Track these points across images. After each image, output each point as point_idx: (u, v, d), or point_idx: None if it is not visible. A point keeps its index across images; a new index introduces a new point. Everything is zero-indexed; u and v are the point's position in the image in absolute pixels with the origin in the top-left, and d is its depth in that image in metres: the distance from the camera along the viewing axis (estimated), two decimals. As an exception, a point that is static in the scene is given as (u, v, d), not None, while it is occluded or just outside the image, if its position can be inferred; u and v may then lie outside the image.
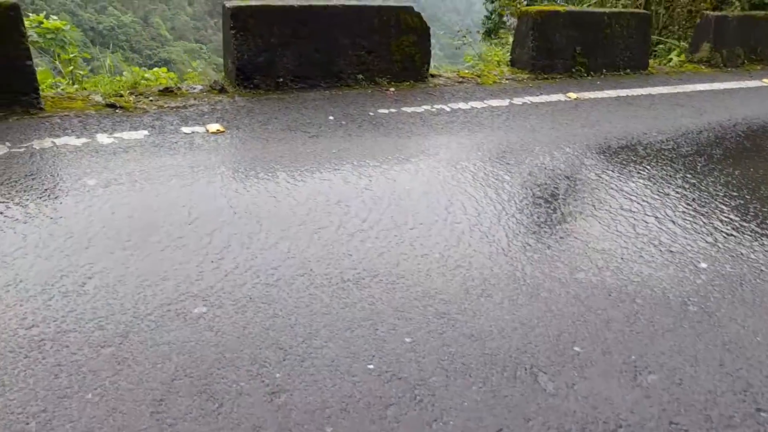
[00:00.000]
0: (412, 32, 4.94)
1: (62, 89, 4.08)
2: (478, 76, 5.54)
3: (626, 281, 2.38)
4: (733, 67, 7.08)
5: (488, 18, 23.86)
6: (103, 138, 3.26)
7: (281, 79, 4.45)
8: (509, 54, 5.99)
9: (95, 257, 2.14)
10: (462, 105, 4.71)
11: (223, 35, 4.47)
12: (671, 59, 7.45)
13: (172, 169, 2.95)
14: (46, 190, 2.61)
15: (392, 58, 4.89)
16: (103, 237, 2.29)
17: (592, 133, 4.25)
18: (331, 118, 4.10)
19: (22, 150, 3.04)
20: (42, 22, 11.08)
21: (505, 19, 24.08)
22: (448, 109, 4.56)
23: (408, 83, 5.05)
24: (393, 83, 4.95)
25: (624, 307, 2.21)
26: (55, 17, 11.34)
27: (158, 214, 2.50)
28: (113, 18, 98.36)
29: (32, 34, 10.98)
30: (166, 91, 4.12)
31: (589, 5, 9.91)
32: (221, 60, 4.76)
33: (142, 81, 4.29)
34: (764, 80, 6.63)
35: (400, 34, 4.88)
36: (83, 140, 3.20)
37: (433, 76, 5.28)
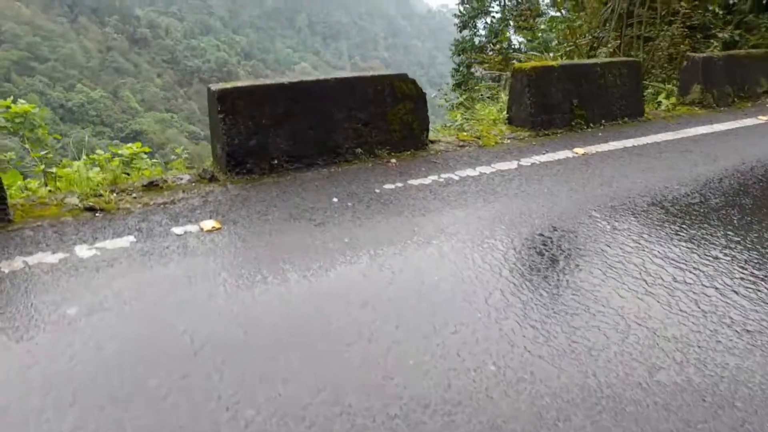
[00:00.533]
0: (408, 99, 4.72)
1: (33, 192, 3.71)
2: (478, 138, 5.32)
3: (715, 378, 2.02)
4: (725, 106, 7.03)
5: (456, 71, 24.32)
6: (83, 250, 2.87)
7: (276, 161, 4.15)
8: (505, 112, 5.81)
9: (82, 419, 1.71)
10: (470, 172, 4.44)
11: (210, 120, 4.19)
12: (660, 102, 7.39)
13: (167, 283, 2.57)
14: (17, 328, 2.19)
15: (390, 128, 4.65)
16: (90, 387, 1.87)
17: (613, 192, 3.98)
18: (335, 200, 3.78)
19: (-10, 274, 2.63)
20: (9, 107, 10.82)
21: (473, 70, 24.66)
22: (456, 178, 4.28)
23: (409, 152, 4.79)
24: (393, 154, 4.69)
25: (727, 417, 1.83)
26: (23, 101, 11.12)
27: (155, 347, 2.09)
28: (82, 95, 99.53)
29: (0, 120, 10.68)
30: (151, 186, 3.77)
31: (561, 54, 10.01)
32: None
33: (123, 175, 3.95)
34: (759, 117, 6.55)
35: (396, 103, 4.66)
36: (60, 255, 2.80)
37: (432, 142, 5.04)
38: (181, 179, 3.99)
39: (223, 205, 3.62)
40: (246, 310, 2.36)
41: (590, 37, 9.14)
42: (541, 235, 3.21)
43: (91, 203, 3.40)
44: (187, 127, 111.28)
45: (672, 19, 8.68)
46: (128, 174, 4.10)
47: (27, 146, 11.63)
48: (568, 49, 10.05)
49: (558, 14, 14.11)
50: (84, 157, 11.05)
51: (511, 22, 23.90)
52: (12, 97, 11.88)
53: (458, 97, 23.25)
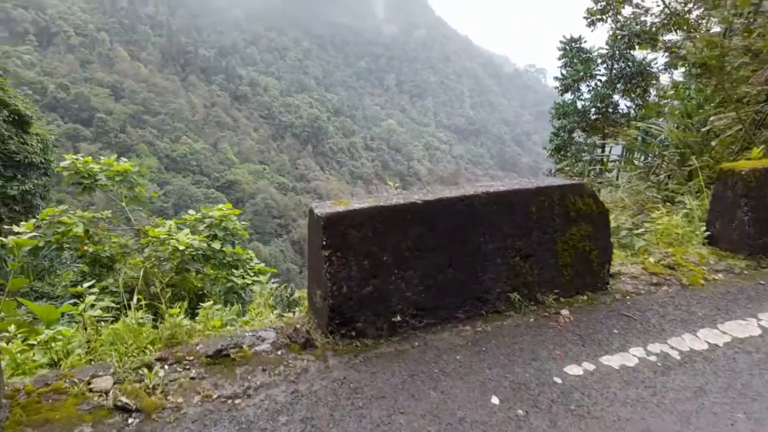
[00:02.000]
0: (584, 220, 3.26)
1: (48, 380, 2.55)
2: (673, 268, 3.71)
3: None
4: None
5: (556, 135, 22.45)
6: None
7: (398, 317, 2.78)
8: (704, 228, 4.17)
9: None
10: (690, 341, 2.85)
11: (308, 251, 2.93)
12: None
13: None
14: None
15: (559, 261, 3.18)
16: None
17: None
18: (495, 401, 2.32)
19: None
20: (112, 165, 10.56)
21: (574, 135, 22.77)
22: (676, 356, 2.71)
23: (584, 297, 3.27)
24: (563, 300, 3.19)
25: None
26: (125, 159, 10.85)
27: None
28: (186, 146, 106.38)
29: (101, 178, 10.37)
30: (219, 356, 2.51)
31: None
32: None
33: (184, 326, 2.72)
34: None
35: (567, 225, 3.21)
36: None
37: (611, 275, 3.50)
38: (263, 340, 2.71)
39: (320, 404, 2.26)
40: None
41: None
42: None
43: (124, 401, 2.16)
44: (277, 178, 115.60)
45: None
46: (193, 321, 2.87)
47: (124, 204, 11.17)
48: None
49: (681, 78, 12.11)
50: (171, 224, 10.23)
51: (619, 86, 22.08)
52: (116, 156, 11.68)
53: (556, 163, 21.39)
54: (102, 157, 11.58)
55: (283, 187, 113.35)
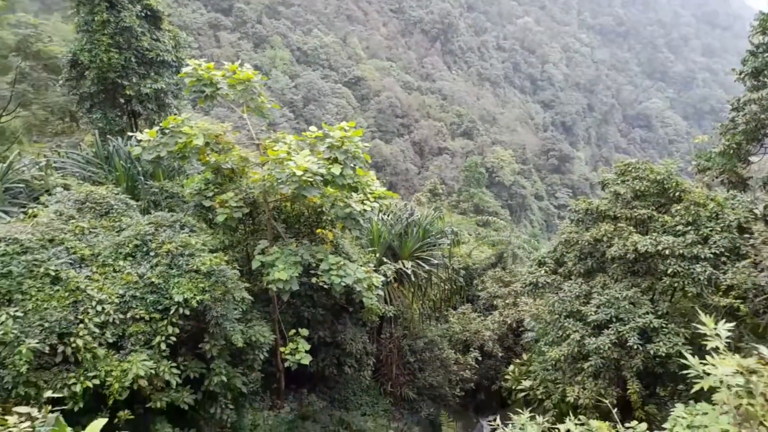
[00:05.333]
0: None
1: None
2: None
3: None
4: None
5: (754, 54, 16.32)
6: None
7: None
8: None
9: None
10: None
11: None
12: None
13: None
14: None
15: None
16: None
17: None
18: None
19: None
20: (235, 72, 10.54)
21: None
22: None
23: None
24: None
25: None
26: (248, 66, 10.77)
27: None
28: (317, 39, 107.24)
29: (223, 86, 10.41)
30: None
31: None
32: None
33: None
34: None
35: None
36: None
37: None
38: None
39: None
40: None
41: None
42: None
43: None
44: (403, 76, 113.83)
45: None
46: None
47: (245, 115, 11.25)
48: None
49: None
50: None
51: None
52: (240, 61, 11.58)
53: (750, 91, 16.13)
54: (238, 51, 11.36)
55: (408, 86, 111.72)
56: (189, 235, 11.15)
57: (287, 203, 14.06)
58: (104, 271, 10.27)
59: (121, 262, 10.47)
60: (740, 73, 16.11)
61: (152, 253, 10.64)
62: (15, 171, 13.71)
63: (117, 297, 9.87)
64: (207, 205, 12.38)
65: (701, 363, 4.73)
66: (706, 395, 4.85)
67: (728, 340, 11.72)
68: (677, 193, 13.40)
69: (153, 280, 10.17)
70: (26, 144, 24.85)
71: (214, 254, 11.00)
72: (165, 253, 10.56)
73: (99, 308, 9.39)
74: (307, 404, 15.94)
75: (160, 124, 9.91)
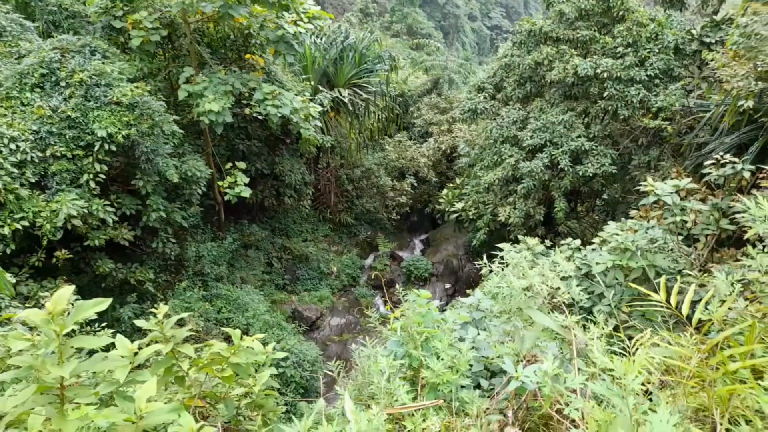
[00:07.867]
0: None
1: None
2: None
3: None
4: None
5: None
6: None
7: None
8: None
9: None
10: None
11: None
12: None
13: None
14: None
15: None
16: None
17: None
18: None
19: None
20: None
21: None
22: None
23: None
24: None
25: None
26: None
27: None
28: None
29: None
30: None
31: None
32: None
33: None
34: None
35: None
36: None
37: None
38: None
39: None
40: None
41: None
42: None
43: None
44: None
45: None
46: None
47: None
48: None
49: None
50: None
51: None
52: None
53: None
54: None
55: None
56: (102, 62, 9.92)
57: (210, 24, 12.61)
58: (10, 104, 9.13)
59: (28, 94, 9.30)
60: None
61: (63, 83, 9.47)
62: None
63: (31, 133, 8.93)
64: (118, 27, 10.89)
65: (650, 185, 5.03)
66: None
67: (649, 159, 12.37)
68: (621, 12, 13.07)
69: (69, 113, 9.19)
70: None
71: (135, 84, 9.96)
72: (78, 83, 9.42)
73: (13, 146, 8.50)
74: (249, 234, 16.20)
75: None
